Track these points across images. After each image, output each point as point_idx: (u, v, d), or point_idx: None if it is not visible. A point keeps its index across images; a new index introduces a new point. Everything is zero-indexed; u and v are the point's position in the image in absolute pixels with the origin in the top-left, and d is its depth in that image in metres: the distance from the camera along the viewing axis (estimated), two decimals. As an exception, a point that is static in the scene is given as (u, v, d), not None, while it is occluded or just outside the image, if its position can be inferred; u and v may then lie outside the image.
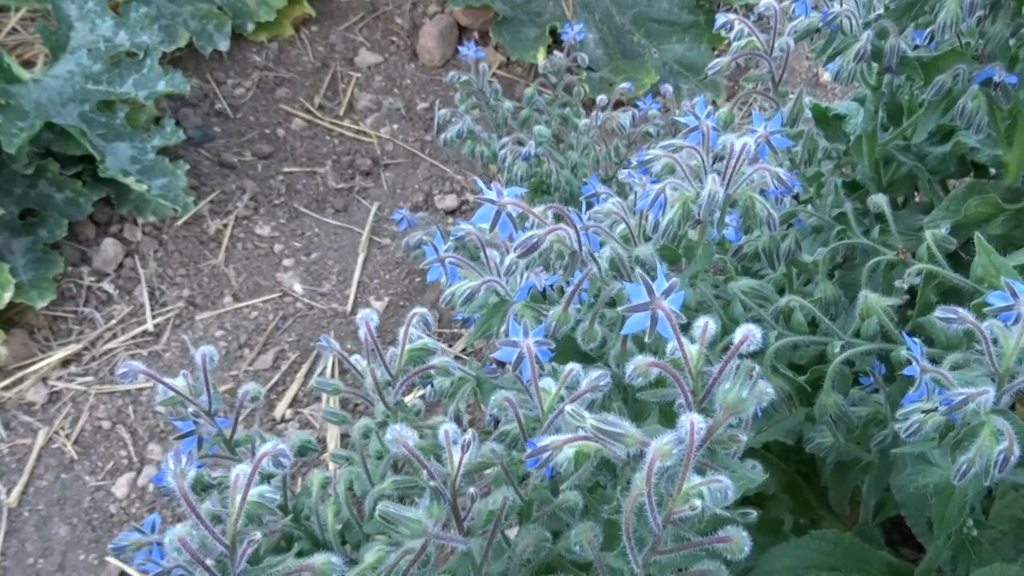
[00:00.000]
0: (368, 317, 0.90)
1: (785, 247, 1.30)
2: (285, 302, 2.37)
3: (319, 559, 0.69)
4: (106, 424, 2.12)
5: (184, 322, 2.30)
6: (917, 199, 1.74)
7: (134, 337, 2.26)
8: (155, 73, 2.31)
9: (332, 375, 2.22)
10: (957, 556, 0.94)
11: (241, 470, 0.67)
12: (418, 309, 0.92)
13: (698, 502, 0.66)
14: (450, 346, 2.30)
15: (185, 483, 0.64)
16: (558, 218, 0.92)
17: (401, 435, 0.72)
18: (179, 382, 0.91)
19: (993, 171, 1.54)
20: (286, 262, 2.45)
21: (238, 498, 0.65)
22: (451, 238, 1.08)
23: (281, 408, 2.17)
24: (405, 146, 2.73)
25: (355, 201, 2.61)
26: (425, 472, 0.71)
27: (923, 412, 0.80)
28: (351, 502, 1.01)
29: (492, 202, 0.91)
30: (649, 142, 2.06)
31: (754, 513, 0.92)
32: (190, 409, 0.89)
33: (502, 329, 1.02)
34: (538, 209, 0.93)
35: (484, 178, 2.63)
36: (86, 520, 1.98)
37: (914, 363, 0.83)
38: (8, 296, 2.06)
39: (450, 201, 2.60)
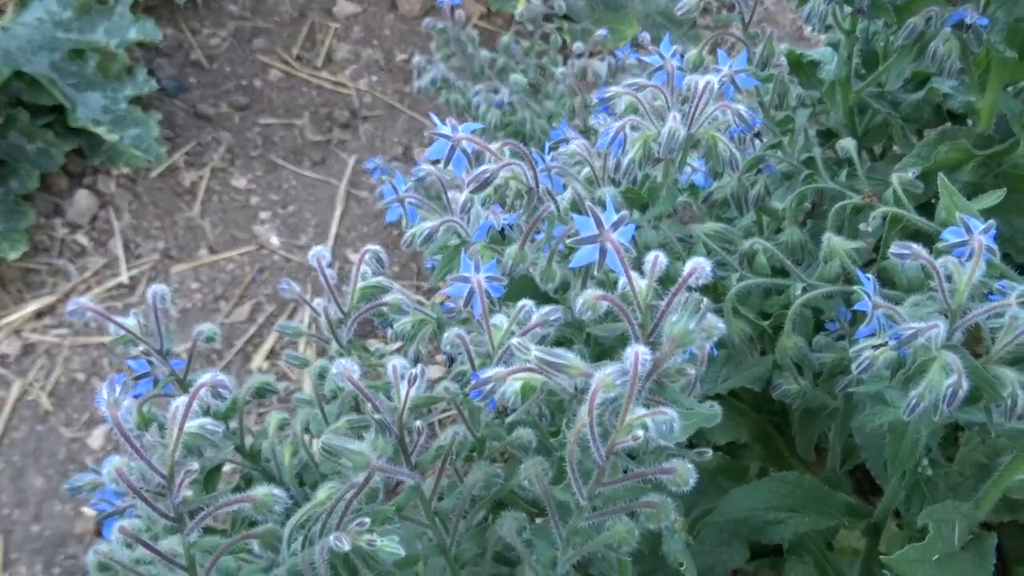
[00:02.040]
0: (320, 254, 0.89)
1: (754, 193, 1.29)
2: (262, 255, 2.35)
3: (260, 491, 0.69)
4: (80, 376, 2.11)
5: (159, 275, 2.28)
6: (892, 151, 1.73)
7: (109, 290, 2.24)
8: (126, 20, 2.26)
9: (308, 326, 2.21)
10: (911, 495, 0.94)
11: (180, 401, 0.66)
12: (370, 246, 0.91)
13: (640, 432, 0.65)
14: (428, 299, 2.29)
15: (119, 412, 0.63)
16: (515, 155, 0.91)
17: (346, 368, 0.71)
18: (130, 321, 0.90)
19: (970, 122, 1.53)
20: (263, 215, 2.42)
21: (175, 429, 0.64)
22: (411, 178, 1.07)
23: (258, 360, 2.17)
24: (384, 98, 2.70)
25: (333, 153, 2.58)
26: (370, 405, 0.70)
27: (873, 348, 0.79)
28: (307, 443, 1.01)
29: (447, 137, 0.89)
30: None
31: (710, 452, 0.92)
32: (140, 348, 0.88)
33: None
34: (494, 146, 0.92)
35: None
36: (62, 471, 1.98)
37: (865, 298, 0.82)
38: (-21, 247, 2.04)
39: (429, 154, 2.57)
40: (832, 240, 1.05)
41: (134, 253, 2.31)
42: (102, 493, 0.99)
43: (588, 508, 0.71)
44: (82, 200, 2.32)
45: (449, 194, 1.08)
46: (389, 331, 1.09)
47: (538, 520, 0.90)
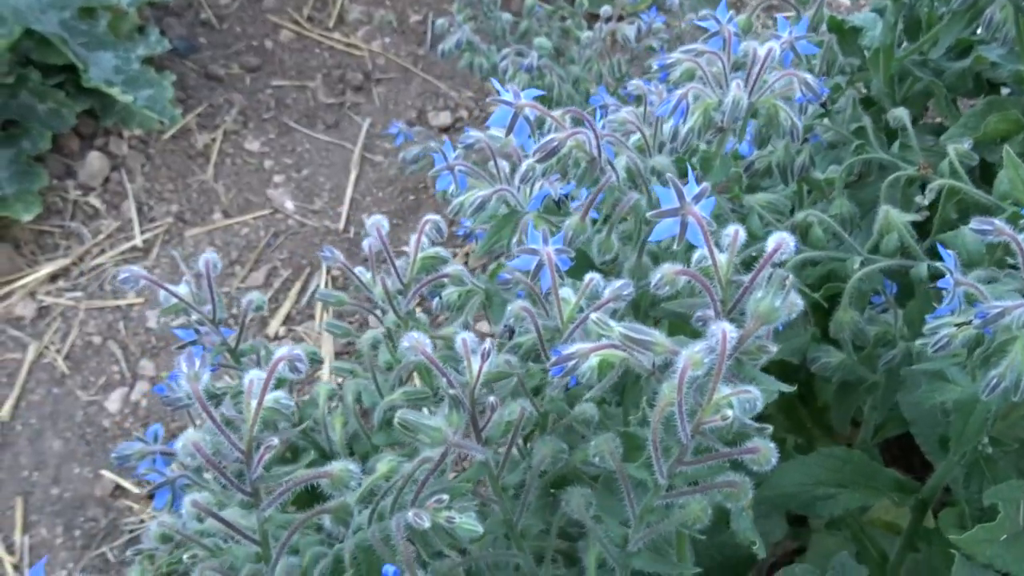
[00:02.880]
0: (379, 223, 0.87)
1: (800, 162, 1.26)
2: (276, 219, 2.32)
3: (337, 466, 0.67)
4: (97, 339, 2.09)
5: (173, 238, 2.25)
6: (923, 120, 1.71)
7: (122, 252, 2.22)
8: (138, -23, 2.21)
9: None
10: (971, 473, 0.94)
11: (255, 375, 0.64)
12: (431, 216, 0.89)
13: (729, 412, 0.64)
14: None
15: (199, 387, 0.61)
16: (577, 123, 0.88)
17: (419, 341, 0.69)
18: (182, 289, 0.88)
19: (1008, 91, 1.51)
20: (276, 178, 2.39)
21: (253, 403, 0.63)
22: (460, 145, 1.04)
23: (275, 326, 2.15)
24: (397, 60, 2.65)
25: (346, 117, 2.54)
26: (445, 380, 0.68)
27: (955, 325, 0.78)
28: (358, 413, 1.00)
29: (509, 104, 0.87)
30: (652, 56, 2.01)
31: (770, 428, 0.91)
32: (194, 317, 0.86)
33: (513, 241, 0.98)
34: (556, 113, 0.89)
35: (480, 94, 2.56)
36: (79, 434, 1.96)
37: (948, 275, 0.81)
38: (-8, 209, 2.00)
39: (444, 118, 2.53)
40: (890, 213, 1.03)
41: (147, 216, 2.28)
42: (147, 463, 0.98)
43: (665, 487, 0.70)
44: (94, 162, 2.28)
45: (498, 162, 1.06)
46: (435, 301, 1.07)
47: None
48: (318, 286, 2.20)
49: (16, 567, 1.82)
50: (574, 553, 0.85)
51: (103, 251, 2.21)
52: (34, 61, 2.18)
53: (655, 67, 1.00)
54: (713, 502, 0.76)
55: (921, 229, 1.18)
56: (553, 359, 0.67)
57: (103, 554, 1.83)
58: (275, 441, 0.63)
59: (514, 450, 0.84)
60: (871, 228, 1.15)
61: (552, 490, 0.87)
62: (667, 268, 0.71)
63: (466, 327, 1.04)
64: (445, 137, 2.52)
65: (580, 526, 0.82)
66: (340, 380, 1.13)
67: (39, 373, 2.04)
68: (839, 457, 1.06)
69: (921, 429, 1.06)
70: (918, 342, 0.87)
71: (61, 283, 2.15)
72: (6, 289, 2.11)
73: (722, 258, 0.71)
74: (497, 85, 0.89)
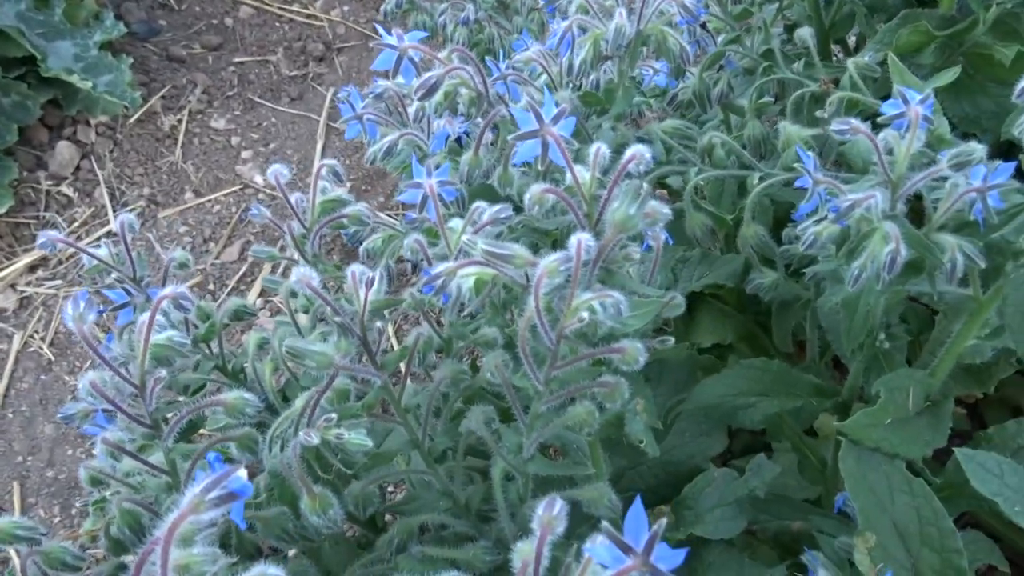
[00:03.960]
0: (278, 171, 0.91)
1: (717, 91, 1.29)
2: (247, 194, 2.36)
3: (231, 395, 0.72)
4: (79, 324, 2.14)
5: (147, 220, 2.30)
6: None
7: (99, 239, 2.27)
8: (88, -35, 2.24)
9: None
10: (869, 368, 0.97)
11: (143, 317, 0.69)
12: (326, 160, 0.93)
13: (586, 315, 0.68)
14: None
15: (85, 327, 0.66)
16: (463, 61, 0.92)
17: (305, 275, 0.73)
18: (102, 251, 0.92)
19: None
20: (244, 154, 2.43)
21: (142, 341, 0.67)
22: (369, 95, 1.08)
23: (251, 297, 2.20)
24: (357, 28, 2.67)
25: (310, 88, 2.57)
26: (329, 309, 0.72)
27: (815, 222, 0.81)
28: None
29: (392, 47, 0.90)
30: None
31: (671, 340, 0.95)
32: (113, 275, 0.91)
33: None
34: (442, 54, 0.92)
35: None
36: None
37: (805, 175, 0.84)
38: (-35, 204, 2.06)
39: (406, 82, 2.56)
40: (788, 128, 1.06)
41: (120, 201, 2.32)
42: (96, 420, 1.03)
43: (546, 393, 0.74)
44: (63, 151, 2.32)
45: (407, 107, 1.09)
46: (360, 248, 1.11)
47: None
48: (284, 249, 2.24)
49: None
50: (486, 469, 0.89)
51: (79, 238, 2.26)
52: (-6, 56, 2.22)
53: (541, 2, 1.03)
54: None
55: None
56: (424, 279, 0.71)
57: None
58: (163, 373, 0.67)
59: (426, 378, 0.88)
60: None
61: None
62: (535, 188, 0.75)
63: (389, 271, 1.08)
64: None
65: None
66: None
67: (26, 361, 2.10)
68: (758, 367, 1.10)
69: (833, 334, 1.09)
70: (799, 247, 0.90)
71: (40, 273, 2.21)
72: (-13, 282, 2.17)
73: (585, 175, 0.75)
74: (381, 30, 0.92)
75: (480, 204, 0.84)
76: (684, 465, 1.23)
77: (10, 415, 2.04)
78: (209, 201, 2.34)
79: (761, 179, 1.04)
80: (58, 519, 1.93)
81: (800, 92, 1.14)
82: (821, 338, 1.42)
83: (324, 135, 2.46)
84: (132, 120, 2.41)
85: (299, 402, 0.84)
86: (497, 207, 0.80)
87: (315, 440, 0.70)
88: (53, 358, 2.10)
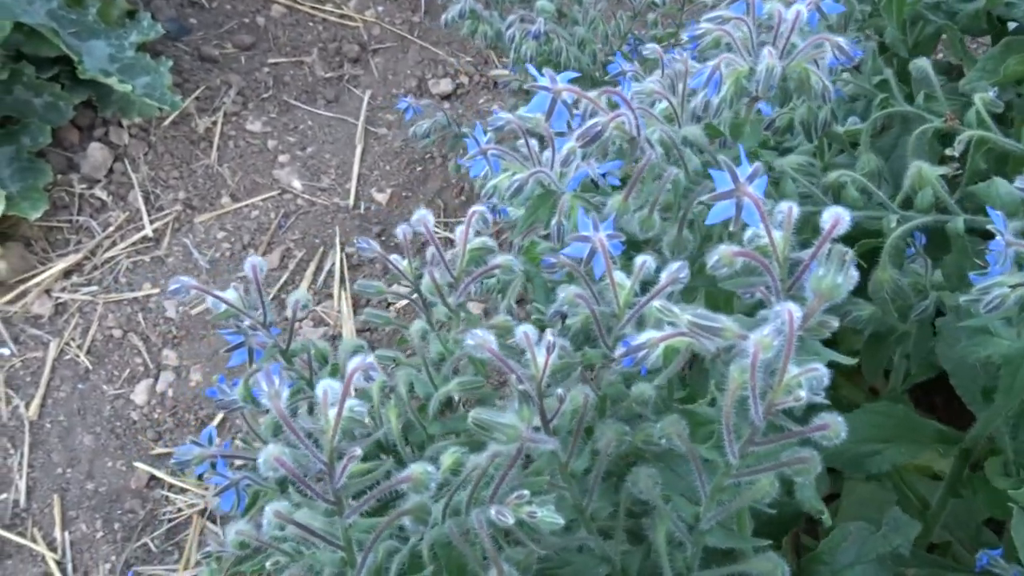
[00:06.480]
0: (425, 219, 0.87)
1: (822, 118, 1.26)
2: (285, 199, 2.31)
3: (416, 468, 0.68)
4: (117, 332, 2.09)
5: (183, 225, 2.24)
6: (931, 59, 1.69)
7: (134, 244, 2.21)
8: (124, -38, 2.17)
9: (341, 271, 2.19)
10: (1018, 424, 0.95)
11: (328, 385, 0.65)
12: (477, 207, 0.89)
13: (802, 393, 0.65)
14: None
15: (280, 403, 0.62)
16: (613, 104, 0.88)
17: (485, 340, 0.70)
18: (231, 294, 0.88)
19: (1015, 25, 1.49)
20: (281, 158, 2.37)
21: (332, 413, 0.63)
22: (489, 128, 1.04)
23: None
24: (393, 29, 2.62)
25: (346, 90, 2.52)
26: (514, 376, 0.69)
27: (1010, 287, 0.79)
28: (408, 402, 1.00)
29: (547, 89, 0.86)
30: (654, 13, 1.99)
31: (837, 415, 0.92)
32: (246, 323, 0.87)
33: (553, 222, 0.99)
34: (592, 94, 0.89)
35: (479, 59, 2.54)
36: (109, 428, 1.97)
37: (999, 237, 0.81)
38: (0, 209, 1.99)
39: (445, 85, 2.51)
40: (923, 168, 1.03)
41: (155, 205, 2.26)
42: (207, 466, 1.00)
43: (740, 466, 0.71)
44: (96, 153, 2.26)
45: (529, 142, 1.05)
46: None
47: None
48: (333, 266, 2.20)
49: (59, 563, 1.84)
50: (638, 531, 0.87)
51: (114, 243, 2.20)
52: (26, 55, 2.14)
53: (685, 37, 0.99)
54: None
55: (949, 180, 1.18)
56: (623, 350, 0.68)
57: (144, 544, 1.86)
58: (358, 451, 0.63)
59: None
60: (894, 180, 1.16)
61: (610, 471, 0.89)
62: (723, 249, 0.72)
63: (510, 310, 1.05)
64: (450, 103, 2.50)
65: (644, 504, 0.83)
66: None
67: (62, 370, 2.04)
68: (882, 412, 1.08)
69: (961, 380, 1.07)
70: (962, 298, 0.88)
71: (75, 278, 2.14)
72: (21, 288, 2.10)
73: (779, 236, 0.72)
74: (532, 71, 0.88)
75: (646, 259, 0.80)
76: (790, 507, 1.21)
77: (48, 425, 1.99)
78: (247, 206, 2.28)
79: (899, 221, 1.01)
80: (100, 534, 1.89)
81: (923, 127, 1.11)
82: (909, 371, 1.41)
83: (363, 139, 2.41)
84: (166, 122, 2.34)
85: (447, 459, 0.80)
86: (675, 266, 0.76)
87: (510, 520, 0.67)
88: (91, 366, 2.04)
